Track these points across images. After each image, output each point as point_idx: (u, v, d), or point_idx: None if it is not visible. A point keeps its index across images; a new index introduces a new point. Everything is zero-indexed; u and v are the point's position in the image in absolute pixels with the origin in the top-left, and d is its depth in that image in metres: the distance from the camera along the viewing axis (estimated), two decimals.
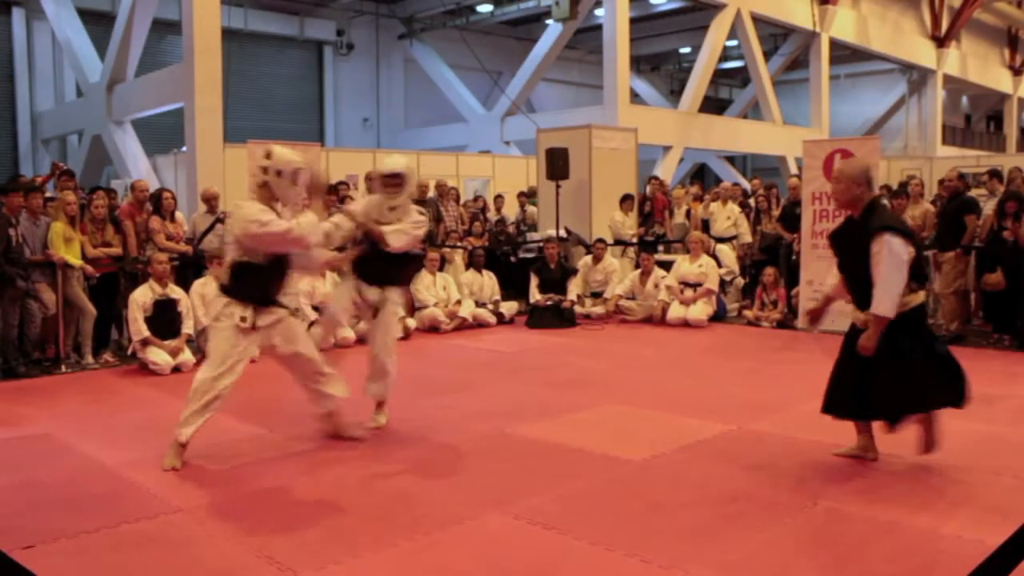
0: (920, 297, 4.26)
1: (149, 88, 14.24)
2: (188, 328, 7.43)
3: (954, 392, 4.25)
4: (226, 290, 4.58)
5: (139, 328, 7.18)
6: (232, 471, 4.50)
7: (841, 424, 4.52)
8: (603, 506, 3.91)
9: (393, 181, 5.20)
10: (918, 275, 4.23)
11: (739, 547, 3.42)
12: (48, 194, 8.58)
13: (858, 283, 4.23)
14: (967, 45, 29.91)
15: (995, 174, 9.01)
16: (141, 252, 8.19)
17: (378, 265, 5.20)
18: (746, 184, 15.06)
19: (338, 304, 5.50)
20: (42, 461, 4.66)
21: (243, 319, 4.49)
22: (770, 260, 10.07)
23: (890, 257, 3.99)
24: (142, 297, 7.28)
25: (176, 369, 7.15)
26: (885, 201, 8.86)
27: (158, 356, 7.14)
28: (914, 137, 27.98)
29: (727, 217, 10.97)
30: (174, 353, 7.23)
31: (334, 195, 9.87)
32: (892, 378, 4.15)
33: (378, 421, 5.38)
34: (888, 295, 4.01)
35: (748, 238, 10.93)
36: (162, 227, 8.35)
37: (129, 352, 7.54)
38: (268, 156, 4.62)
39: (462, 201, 12.49)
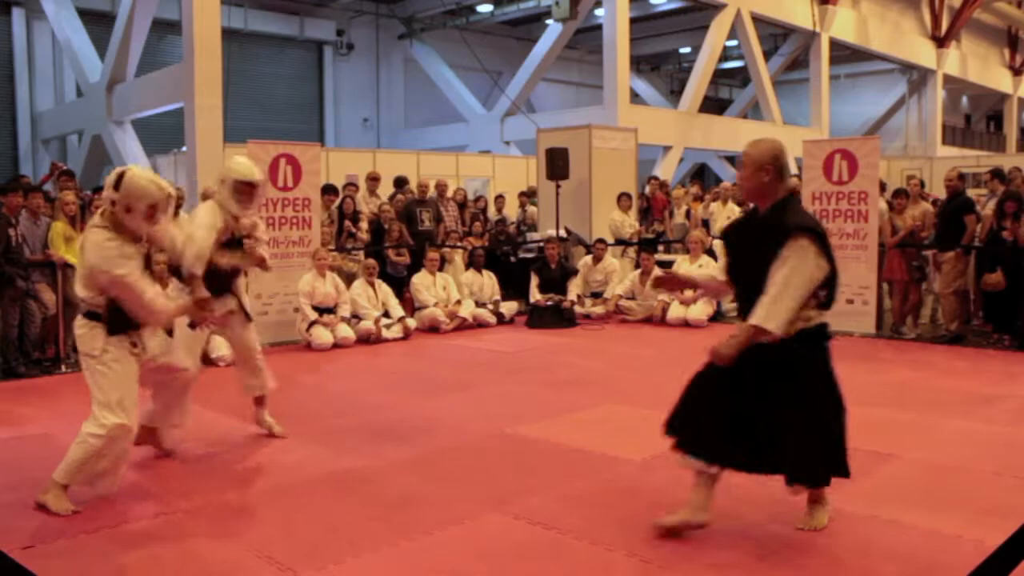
0: (823, 317, 3.40)
1: (149, 88, 14.25)
2: None
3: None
4: (111, 327, 3.87)
5: None
6: (232, 471, 4.51)
7: None
8: (603, 506, 3.91)
9: (249, 190, 4.63)
10: (831, 291, 3.36)
11: (739, 547, 3.42)
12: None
13: (753, 291, 3.30)
14: (967, 45, 29.93)
15: (997, 174, 8.99)
16: None
17: (221, 275, 4.79)
18: None
19: (188, 339, 4.84)
20: (42, 461, 4.64)
21: (134, 344, 3.94)
22: None
23: (802, 265, 3.21)
24: None
25: None
26: (884, 201, 8.91)
27: None
28: (914, 137, 27.99)
29: (727, 217, 10.97)
30: None
31: (333, 196, 9.88)
32: (804, 425, 3.31)
33: (274, 428, 5.10)
34: (784, 307, 3.20)
35: None
36: None
37: None
38: (116, 186, 3.67)
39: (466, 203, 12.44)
